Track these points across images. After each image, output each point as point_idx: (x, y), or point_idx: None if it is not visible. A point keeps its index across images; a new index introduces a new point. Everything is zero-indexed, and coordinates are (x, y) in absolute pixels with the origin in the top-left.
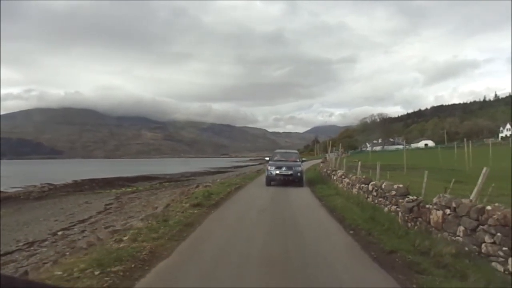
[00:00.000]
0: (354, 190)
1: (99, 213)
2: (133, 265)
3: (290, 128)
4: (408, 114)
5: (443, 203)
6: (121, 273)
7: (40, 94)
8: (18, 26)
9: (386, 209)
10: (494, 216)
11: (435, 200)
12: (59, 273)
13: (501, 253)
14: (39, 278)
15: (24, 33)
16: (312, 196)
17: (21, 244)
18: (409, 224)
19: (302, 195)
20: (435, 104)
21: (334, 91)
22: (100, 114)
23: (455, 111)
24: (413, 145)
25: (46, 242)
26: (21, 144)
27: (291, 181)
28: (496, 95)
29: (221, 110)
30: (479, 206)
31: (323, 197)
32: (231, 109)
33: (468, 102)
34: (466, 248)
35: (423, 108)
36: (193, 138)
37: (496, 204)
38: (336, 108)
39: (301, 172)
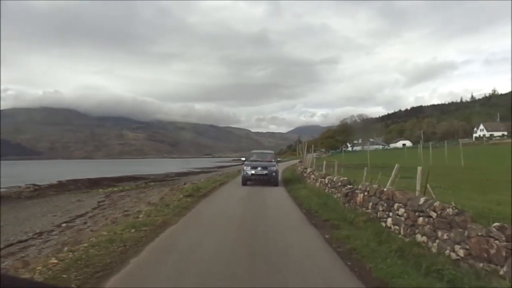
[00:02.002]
0: (317, 184)
1: (94, 209)
2: (154, 228)
3: (273, 128)
4: (388, 115)
5: (363, 188)
6: (148, 231)
7: (17, 94)
8: None
9: (335, 196)
10: (387, 193)
11: (360, 186)
12: (105, 233)
13: (385, 216)
14: (87, 236)
15: (1, 32)
16: (283, 189)
17: (30, 234)
18: (346, 205)
19: (274, 189)
20: (415, 105)
21: (317, 91)
22: (81, 114)
23: (434, 111)
24: (392, 145)
25: (54, 232)
26: None
27: (266, 180)
28: (472, 96)
29: (204, 110)
30: (381, 189)
31: (292, 190)
32: (214, 109)
33: (447, 103)
34: (371, 216)
35: (403, 109)
36: (176, 138)
37: (390, 187)
38: (319, 109)
39: (275, 172)
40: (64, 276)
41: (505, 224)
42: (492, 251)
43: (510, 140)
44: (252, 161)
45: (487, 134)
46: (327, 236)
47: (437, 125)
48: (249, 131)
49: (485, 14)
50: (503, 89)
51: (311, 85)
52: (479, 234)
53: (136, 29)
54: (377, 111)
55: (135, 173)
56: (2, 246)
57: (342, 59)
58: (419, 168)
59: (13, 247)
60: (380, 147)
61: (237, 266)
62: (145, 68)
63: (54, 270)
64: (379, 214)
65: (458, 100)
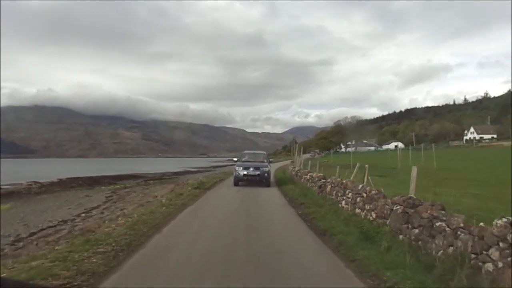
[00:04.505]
0: (302, 180)
1: (105, 202)
2: (178, 207)
3: (268, 129)
4: (382, 116)
5: (331, 182)
6: (175, 208)
7: (11, 92)
8: None
9: (313, 188)
10: (343, 183)
11: (328, 180)
12: (142, 210)
13: (341, 199)
14: (131, 215)
15: None
16: (273, 184)
17: (56, 222)
18: (319, 194)
19: None
20: (409, 107)
21: (312, 92)
22: (76, 112)
23: (427, 113)
24: (385, 147)
25: (77, 220)
26: None
27: (258, 181)
28: (465, 98)
29: (199, 110)
30: (341, 181)
31: (281, 184)
32: (209, 109)
33: (440, 105)
34: (334, 201)
35: (397, 111)
36: (170, 137)
37: (349, 179)
38: (314, 109)
39: (268, 172)
40: (136, 227)
41: (397, 197)
42: (385, 212)
43: (498, 143)
44: (244, 161)
45: (477, 136)
46: (299, 212)
47: (429, 127)
48: (245, 131)
49: (479, 17)
50: (495, 92)
51: (306, 86)
52: (382, 203)
53: (131, 28)
54: (372, 112)
55: (132, 172)
56: (36, 230)
57: (337, 60)
58: (366, 166)
59: (45, 231)
60: (373, 148)
61: (238, 224)
62: (140, 67)
63: (126, 225)
64: (338, 199)
65: (452, 103)
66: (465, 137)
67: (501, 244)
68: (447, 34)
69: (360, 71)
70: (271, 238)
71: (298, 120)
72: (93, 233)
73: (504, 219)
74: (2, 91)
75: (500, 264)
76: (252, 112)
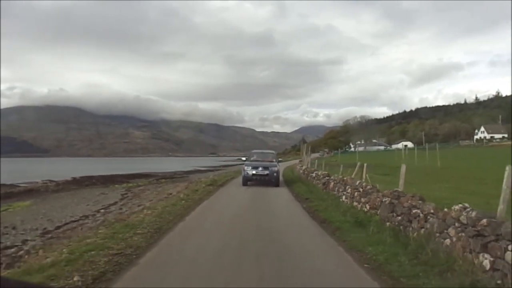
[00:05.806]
0: (308, 178)
1: (121, 199)
2: (195, 201)
3: (277, 128)
4: (392, 116)
5: (334, 179)
6: (194, 202)
7: (23, 92)
8: (1, 24)
9: (318, 186)
10: (344, 180)
11: (332, 177)
12: (163, 203)
13: (342, 194)
14: (155, 208)
15: (7, 31)
16: (281, 182)
17: (77, 217)
18: (324, 190)
19: None
20: (420, 106)
21: (322, 91)
22: (86, 112)
23: (437, 113)
24: (394, 146)
25: (98, 215)
26: (5, 143)
27: (267, 181)
28: (476, 97)
29: (208, 109)
30: (342, 178)
31: (288, 182)
32: (218, 108)
33: (451, 104)
34: (336, 196)
35: (408, 110)
36: (180, 137)
37: (350, 176)
38: (323, 109)
39: (277, 172)
40: (162, 216)
41: (386, 191)
42: (377, 203)
43: (508, 142)
44: (253, 161)
45: (488, 136)
46: (304, 206)
47: (440, 126)
48: (254, 130)
49: (491, 16)
50: (507, 91)
51: (315, 85)
52: (375, 196)
53: (141, 28)
54: (381, 111)
55: (144, 171)
56: (60, 224)
57: (347, 59)
58: (365, 164)
59: (70, 225)
60: (382, 147)
61: (250, 214)
62: (149, 67)
63: (154, 214)
64: (339, 194)
65: (463, 102)
66: (475, 137)
67: (456, 224)
68: (458, 32)
69: (369, 70)
70: (277, 225)
71: (307, 120)
72: (126, 221)
73: (460, 205)
74: (14, 90)
75: (454, 239)
76: (261, 111)
